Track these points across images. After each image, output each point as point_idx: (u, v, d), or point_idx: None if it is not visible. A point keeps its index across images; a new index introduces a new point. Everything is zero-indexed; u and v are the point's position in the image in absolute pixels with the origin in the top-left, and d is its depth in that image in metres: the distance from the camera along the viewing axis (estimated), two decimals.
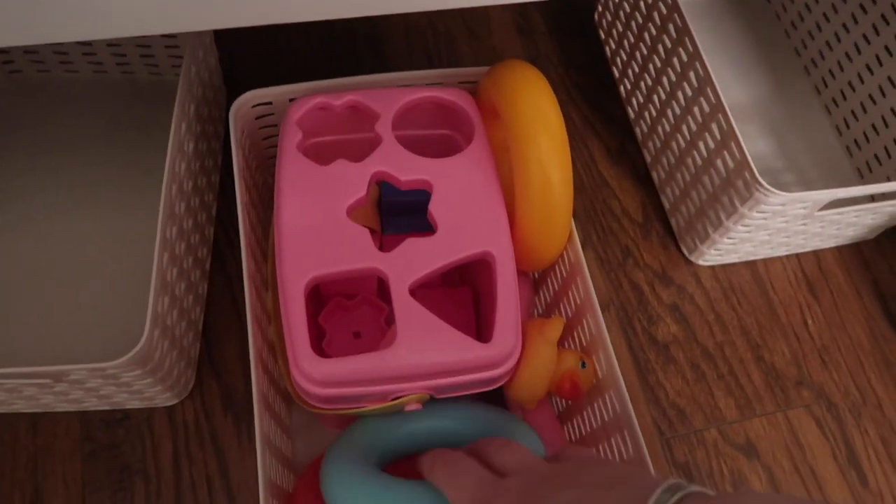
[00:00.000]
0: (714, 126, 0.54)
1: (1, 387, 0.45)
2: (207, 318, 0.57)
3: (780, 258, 0.65)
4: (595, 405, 0.47)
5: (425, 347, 0.39)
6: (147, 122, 0.62)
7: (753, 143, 0.68)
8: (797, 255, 0.65)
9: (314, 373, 0.39)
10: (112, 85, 0.65)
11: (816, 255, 0.65)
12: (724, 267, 0.64)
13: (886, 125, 0.63)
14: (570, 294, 0.49)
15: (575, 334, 0.49)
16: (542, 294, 0.55)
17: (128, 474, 0.52)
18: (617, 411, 0.44)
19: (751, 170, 0.50)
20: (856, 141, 0.67)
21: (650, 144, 0.66)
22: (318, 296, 0.52)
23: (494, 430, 0.43)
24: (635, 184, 0.67)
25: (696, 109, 0.56)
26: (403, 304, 0.40)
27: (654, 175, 0.66)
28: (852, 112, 0.67)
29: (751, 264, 0.64)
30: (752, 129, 0.69)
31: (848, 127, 0.68)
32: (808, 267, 0.65)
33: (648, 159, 0.67)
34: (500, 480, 0.33)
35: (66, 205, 0.59)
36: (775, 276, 0.64)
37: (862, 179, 0.67)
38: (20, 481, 0.51)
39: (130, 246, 0.57)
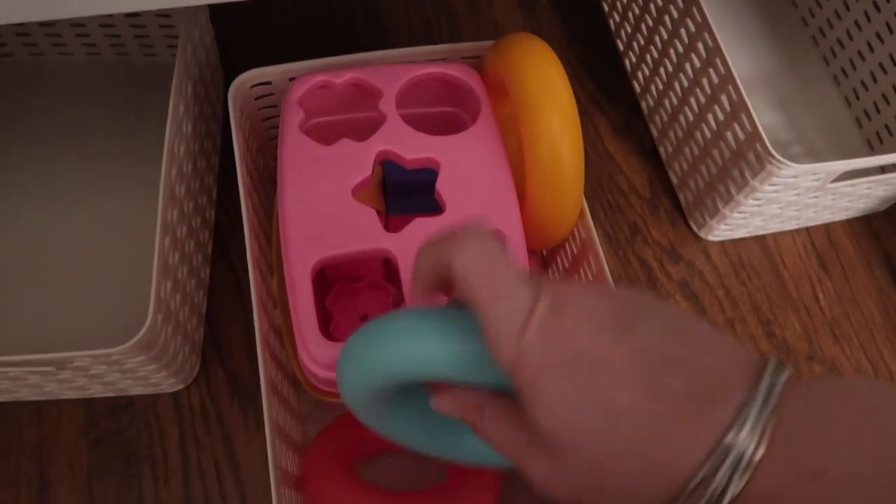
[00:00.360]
0: (724, 98, 0.53)
1: (4, 375, 0.44)
2: (210, 303, 0.56)
3: (789, 232, 0.64)
4: None
5: None
6: (143, 105, 0.61)
7: (761, 116, 0.66)
8: (807, 229, 0.64)
9: (323, 356, 0.38)
10: (106, 67, 0.63)
11: (826, 228, 0.64)
12: (734, 242, 0.63)
13: None
14: (582, 271, 0.48)
15: None
16: (551, 272, 0.54)
17: (134, 460, 0.51)
18: None
19: (763, 142, 0.49)
20: (865, 112, 0.66)
21: (657, 119, 0.64)
22: (324, 279, 0.51)
23: None
24: (642, 159, 0.66)
25: (704, 81, 0.55)
26: None
27: (662, 150, 0.65)
28: (861, 83, 0.66)
29: (760, 239, 0.63)
30: (760, 102, 0.68)
31: (857, 98, 0.67)
32: (819, 240, 0.64)
33: (655, 134, 0.65)
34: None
35: (65, 192, 0.58)
36: (785, 250, 0.63)
37: (871, 151, 0.66)
38: (26, 470, 0.50)
39: (131, 231, 0.56)
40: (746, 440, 0.21)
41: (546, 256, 0.55)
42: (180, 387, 0.53)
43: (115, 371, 0.45)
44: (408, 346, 0.27)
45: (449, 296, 0.31)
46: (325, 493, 0.44)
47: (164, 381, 0.50)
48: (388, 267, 0.51)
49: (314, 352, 0.38)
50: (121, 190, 0.58)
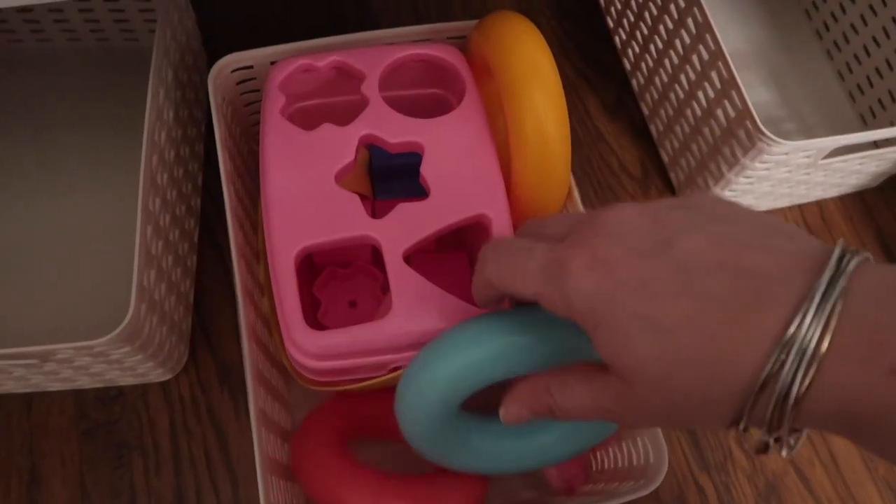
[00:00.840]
0: (714, 74, 0.52)
1: None
2: (199, 292, 0.56)
3: (782, 209, 0.63)
4: None
5: (421, 315, 0.38)
6: (126, 91, 0.60)
7: (753, 92, 0.66)
8: (799, 206, 0.64)
9: (308, 345, 0.38)
10: (87, 53, 0.62)
11: (819, 205, 0.64)
12: None
13: (891, 68, 0.61)
14: None
15: None
16: None
17: (126, 451, 0.51)
18: None
19: (753, 119, 0.48)
20: (858, 86, 0.65)
21: (647, 96, 0.63)
22: (312, 266, 0.51)
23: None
24: (633, 138, 0.65)
25: (694, 58, 0.54)
26: (397, 272, 0.39)
27: (653, 128, 0.64)
28: (855, 56, 0.65)
29: None
30: (752, 77, 0.67)
31: (850, 72, 0.66)
32: (811, 218, 0.63)
33: (646, 112, 0.65)
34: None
35: (47, 182, 0.57)
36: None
37: (865, 126, 0.65)
38: (17, 462, 0.50)
39: (115, 221, 0.55)
40: (809, 330, 0.20)
41: None
42: (169, 376, 0.52)
43: (101, 362, 0.45)
44: (488, 343, 0.30)
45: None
46: (319, 473, 0.43)
47: (151, 372, 0.50)
48: (377, 252, 0.50)
49: (299, 340, 0.38)
50: (104, 179, 0.57)
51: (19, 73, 0.61)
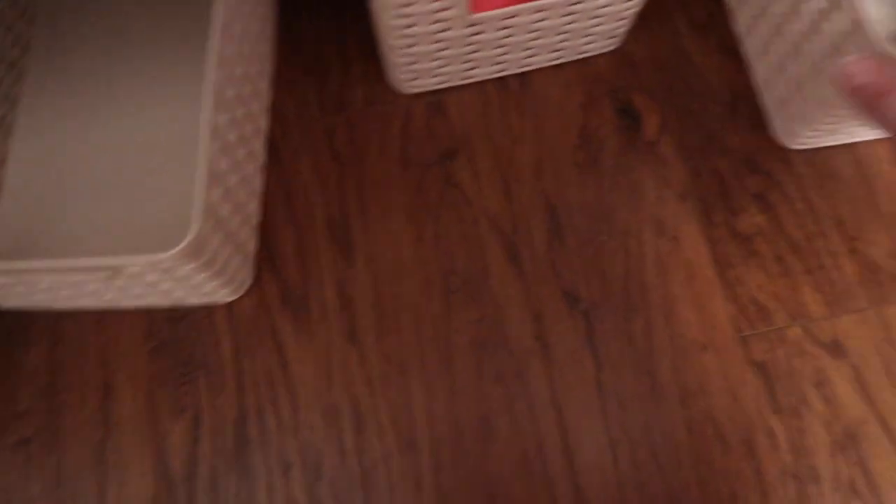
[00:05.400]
0: None
1: (65, 281, 0.44)
2: (264, 215, 0.55)
3: (887, 139, 0.58)
4: None
5: None
6: (194, 5, 0.59)
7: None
8: None
9: None
10: None
11: None
12: (820, 151, 0.57)
13: None
14: None
15: None
16: None
17: (191, 368, 0.52)
18: None
19: (868, 31, 0.43)
20: None
21: (745, 11, 0.58)
22: None
23: None
24: (722, 59, 0.60)
25: None
26: None
27: (745, 48, 0.59)
28: None
29: (851, 147, 0.58)
30: None
31: None
32: None
33: (741, 30, 0.59)
34: None
35: (119, 98, 0.57)
36: (880, 159, 0.57)
37: None
38: (92, 374, 0.52)
39: (182, 138, 0.55)
40: None
41: None
42: (234, 297, 0.53)
43: (169, 279, 0.45)
44: None
45: None
46: None
47: (217, 291, 0.50)
48: None
49: None
50: (172, 95, 0.56)
51: None
